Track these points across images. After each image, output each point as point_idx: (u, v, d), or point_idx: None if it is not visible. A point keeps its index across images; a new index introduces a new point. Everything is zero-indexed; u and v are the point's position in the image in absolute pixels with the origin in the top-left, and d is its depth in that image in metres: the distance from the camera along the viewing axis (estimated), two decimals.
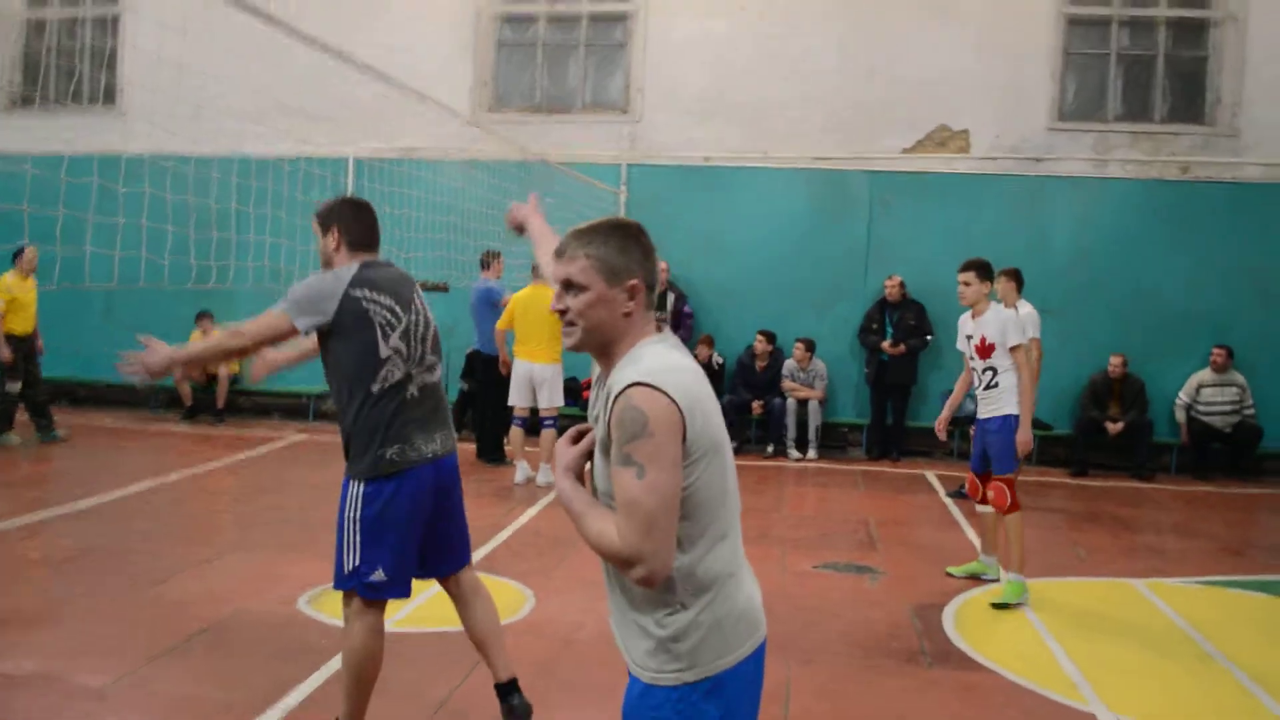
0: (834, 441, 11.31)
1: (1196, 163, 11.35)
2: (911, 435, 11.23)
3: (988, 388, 6.22)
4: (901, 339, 10.77)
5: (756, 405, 10.92)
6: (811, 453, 10.84)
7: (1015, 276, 8.92)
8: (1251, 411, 10.68)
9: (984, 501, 6.42)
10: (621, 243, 2.21)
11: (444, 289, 9.68)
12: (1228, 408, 10.64)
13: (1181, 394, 10.78)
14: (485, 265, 9.67)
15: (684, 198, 11.54)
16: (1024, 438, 6.11)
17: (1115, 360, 10.67)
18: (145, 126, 9.20)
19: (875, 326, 10.91)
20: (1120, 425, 10.50)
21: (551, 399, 8.89)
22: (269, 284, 7.16)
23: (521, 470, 8.99)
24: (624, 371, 2.12)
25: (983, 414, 6.29)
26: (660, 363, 2.12)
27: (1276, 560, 7.48)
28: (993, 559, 6.55)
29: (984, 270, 6.19)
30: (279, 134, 9.52)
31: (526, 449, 9.17)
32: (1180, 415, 10.78)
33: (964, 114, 11.45)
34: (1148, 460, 10.58)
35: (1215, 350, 10.69)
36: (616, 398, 2.07)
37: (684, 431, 2.06)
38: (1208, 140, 11.40)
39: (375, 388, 3.67)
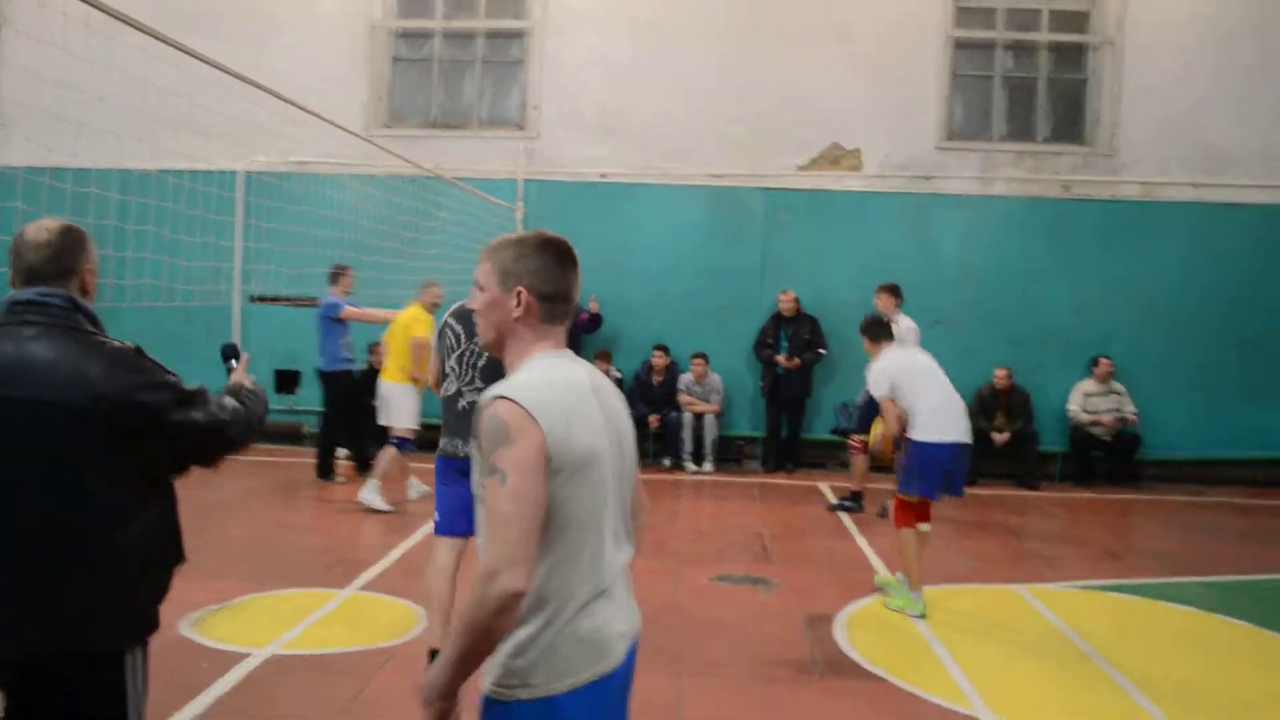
0: (730, 454, 11.43)
1: (1077, 181, 11.77)
2: (806, 447, 11.40)
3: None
4: (796, 353, 10.93)
5: (653, 419, 10.97)
6: (708, 466, 10.94)
7: (894, 291, 9.16)
8: (1134, 420, 11.09)
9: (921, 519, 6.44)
10: (519, 251, 2.29)
11: (313, 304, 9.59)
12: (1109, 417, 11.03)
13: (1072, 404, 11.14)
14: (333, 280, 9.45)
15: (581, 214, 11.54)
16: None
17: (1000, 373, 11.00)
18: (22, 141, 8.89)
19: (770, 341, 11.05)
20: (1007, 435, 10.82)
21: (391, 418, 8.61)
22: (149, 301, 6.98)
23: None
24: (499, 385, 2.17)
25: None
26: (534, 377, 2.19)
27: (1152, 564, 7.77)
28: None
29: (871, 330, 6.72)
30: (165, 149, 9.26)
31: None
32: (1080, 418, 11.07)
33: (856, 133, 11.71)
34: (1034, 469, 10.90)
35: (1098, 361, 11.10)
36: (485, 409, 2.13)
37: (545, 444, 2.08)
38: (1087, 160, 11.84)
39: (442, 394, 4.76)
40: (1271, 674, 5.53)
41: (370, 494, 8.39)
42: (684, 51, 11.66)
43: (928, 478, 6.27)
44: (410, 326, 8.40)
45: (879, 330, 6.69)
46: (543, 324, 2.28)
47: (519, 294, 2.25)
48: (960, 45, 11.89)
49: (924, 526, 6.40)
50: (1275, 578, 7.54)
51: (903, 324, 8.99)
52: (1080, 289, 11.48)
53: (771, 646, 5.57)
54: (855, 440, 9.29)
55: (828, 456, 11.50)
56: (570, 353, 2.33)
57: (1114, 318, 11.48)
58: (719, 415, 11.10)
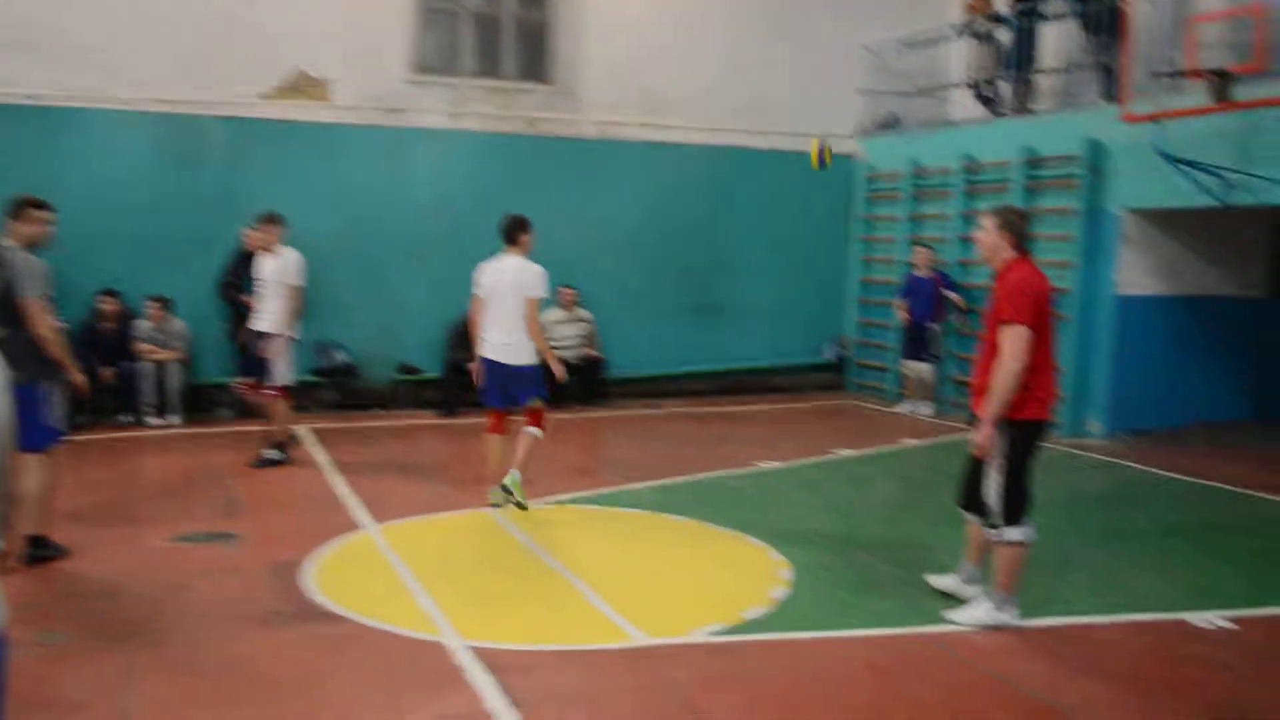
0: (200, 404, 10.62)
1: (542, 119, 12.23)
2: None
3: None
4: None
5: (106, 372, 9.85)
6: (174, 417, 10.08)
7: (276, 221, 8.54)
8: (598, 342, 11.88)
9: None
10: None
11: None
12: (576, 341, 11.72)
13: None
14: None
15: (4, 143, 10.01)
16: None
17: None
18: None
19: (237, 280, 10.34)
20: None
21: None
22: None
23: None
24: None
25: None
26: None
27: (616, 474, 8.35)
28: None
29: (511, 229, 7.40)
30: None
31: None
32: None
33: (324, 62, 11.22)
34: None
35: (562, 290, 11.69)
36: None
37: None
38: (551, 98, 12.33)
39: None
40: (712, 560, 6.15)
41: None
42: None
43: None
44: None
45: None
46: None
47: None
48: None
49: (492, 437, 7.29)
50: (714, 475, 8.43)
51: (287, 255, 8.44)
52: (548, 221, 11.80)
53: (233, 603, 5.24)
54: (245, 384, 8.72)
55: (308, 399, 11.11)
56: None
57: (576, 248, 12.11)
58: (184, 362, 10.25)
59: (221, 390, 10.72)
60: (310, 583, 5.52)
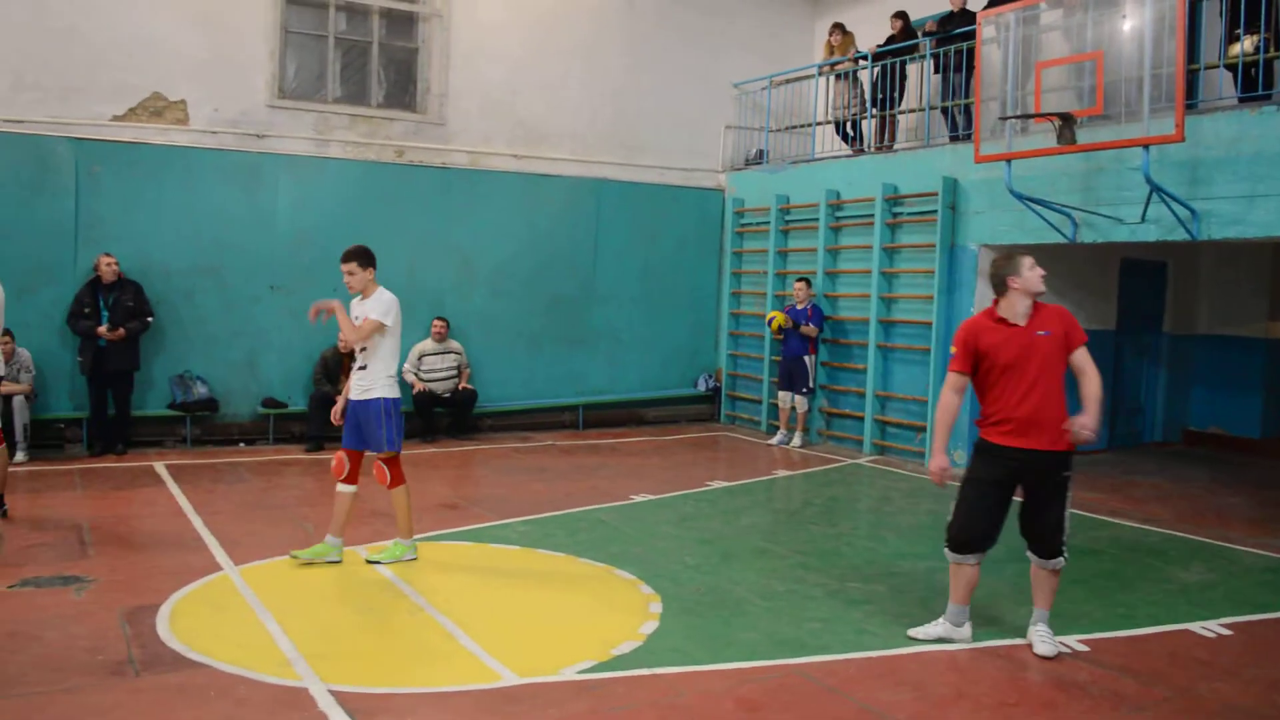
0: (49, 440, 10.12)
1: (410, 148, 12.09)
2: (139, 425, 10.48)
3: (360, 368, 6.63)
4: (120, 322, 9.96)
5: None
6: (20, 455, 9.55)
7: None
8: (469, 375, 11.74)
9: (348, 481, 6.62)
10: None
11: None
12: (448, 374, 11.56)
13: (406, 364, 11.42)
14: None
15: None
16: None
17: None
18: None
19: (88, 310, 9.92)
20: None
21: None
22: None
23: None
24: None
25: (356, 395, 6.62)
26: None
27: (486, 510, 8.25)
28: (338, 540, 6.66)
29: (365, 258, 6.69)
30: None
31: None
32: (410, 379, 11.38)
33: (180, 84, 10.89)
34: None
35: (435, 321, 11.58)
36: None
37: None
38: (419, 127, 12.20)
39: None
40: (583, 595, 6.11)
41: None
42: None
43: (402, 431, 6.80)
44: None
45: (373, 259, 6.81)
46: None
47: None
48: (291, 1, 11.56)
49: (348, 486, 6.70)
50: (587, 508, 8.41)
51: None
52: (416, 251, 11.84)
53: (80, 651, 4.96)
54: None
55: (165, 433, 10.71)
56: None
57: (447, 279, 12.04)
58: (31, 397, 9.74)
59: (71, 425, 10.27)
60: (166, 628, 5.28)
